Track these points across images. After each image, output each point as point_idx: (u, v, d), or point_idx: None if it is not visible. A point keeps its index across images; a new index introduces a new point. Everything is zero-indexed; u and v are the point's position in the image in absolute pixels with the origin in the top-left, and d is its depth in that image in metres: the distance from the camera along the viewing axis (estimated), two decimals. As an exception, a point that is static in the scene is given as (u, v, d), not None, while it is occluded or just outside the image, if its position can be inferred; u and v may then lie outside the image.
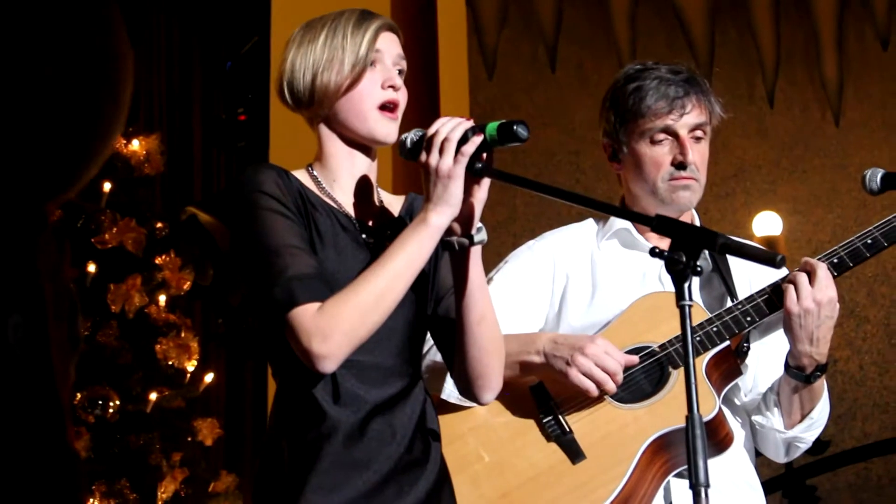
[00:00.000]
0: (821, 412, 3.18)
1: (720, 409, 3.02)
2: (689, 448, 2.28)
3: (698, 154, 3.21)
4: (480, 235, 2.61)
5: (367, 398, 2.61)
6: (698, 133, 3.22)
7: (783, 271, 3.19)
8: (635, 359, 3.05)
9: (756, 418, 3.21)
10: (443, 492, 2.69)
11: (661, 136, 3.20)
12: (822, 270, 3.04)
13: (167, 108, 7.24)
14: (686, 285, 2.33)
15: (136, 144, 5.88)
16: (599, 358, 2.97)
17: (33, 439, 1.13)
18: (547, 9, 8.23)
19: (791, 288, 3.03)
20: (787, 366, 3.10)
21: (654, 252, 2.39)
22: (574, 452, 3.04)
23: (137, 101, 7.06)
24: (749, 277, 3.24)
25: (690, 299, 2.34)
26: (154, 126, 6.86)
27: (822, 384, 3.14)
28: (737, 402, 3.24)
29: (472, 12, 8.06)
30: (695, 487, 2.26)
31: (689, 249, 2.33)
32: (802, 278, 3.04)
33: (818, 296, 3.01)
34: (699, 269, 2.33)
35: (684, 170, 3.18)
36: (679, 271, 2.33)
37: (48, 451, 1.14)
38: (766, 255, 2.37)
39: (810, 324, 3.02)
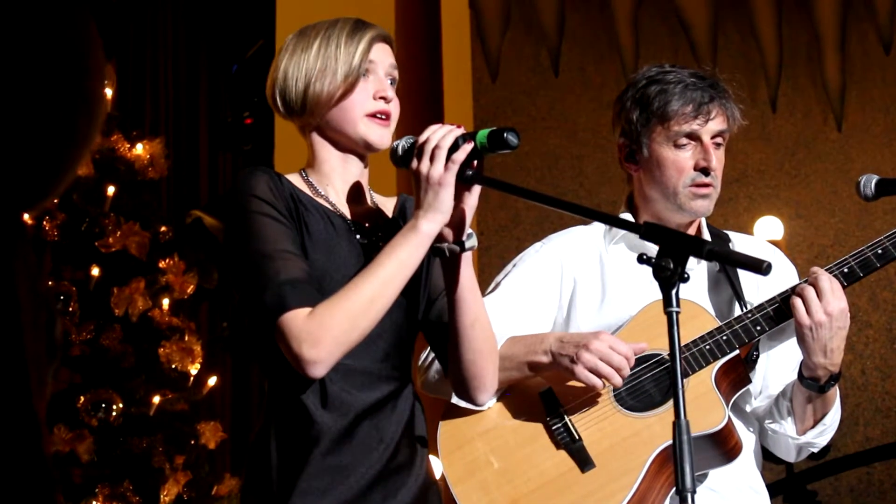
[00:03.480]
0: (833, 417, 3.17)
1: (729, 418, 3.01)
2: (675, 453, 2.30)
3: (718, 161, 3.19)
4: (471, 242, 2.62)
5: (355, 402, 2.62)
6: (719, 140, 3.19)
7: (792, 277, 3.19)
8: (644, 345, 3.01)
9: (769, 424, 3.20)
10: (428, 498, 2.71)
11: (685, 140, 3.16)
12: (831, 283, 3.02)
13: (173, 111, 7.27)
14: (673, 292, 2.34)
15: (139, 148, 5.89)
16: (604, 353, 2.95)
17: (5, 448, 1.14)
18: (549, 12, 8.22)
19: (801, 301, 3.02)
20: (800, 376, 3.08)
21: (641, 259, 2.41)
22: (583, 460, 3.04)
23: (143, 105, 7.09)
24: (757, 282, 3.20)
25: (678, 306, 2.35)
26: (160, 129, 6.88)
27: (834, 391, 3.13)
28: (746, 408, 3.23)
29: (476, 16, 8.07)
30: (681, 493, 2.28)
31: (676, 256, 2.34)
32: (810, 291, 3.01)
33: (829, 308, 2.98)
34: (686, 276, 2.34)
35: (707, 175, 3.16)
36: (666, 278, 2.34)
37: (21, 460, 1.15)
38: (753, 261, 2.37)
39: (823, 336, 2.99)
